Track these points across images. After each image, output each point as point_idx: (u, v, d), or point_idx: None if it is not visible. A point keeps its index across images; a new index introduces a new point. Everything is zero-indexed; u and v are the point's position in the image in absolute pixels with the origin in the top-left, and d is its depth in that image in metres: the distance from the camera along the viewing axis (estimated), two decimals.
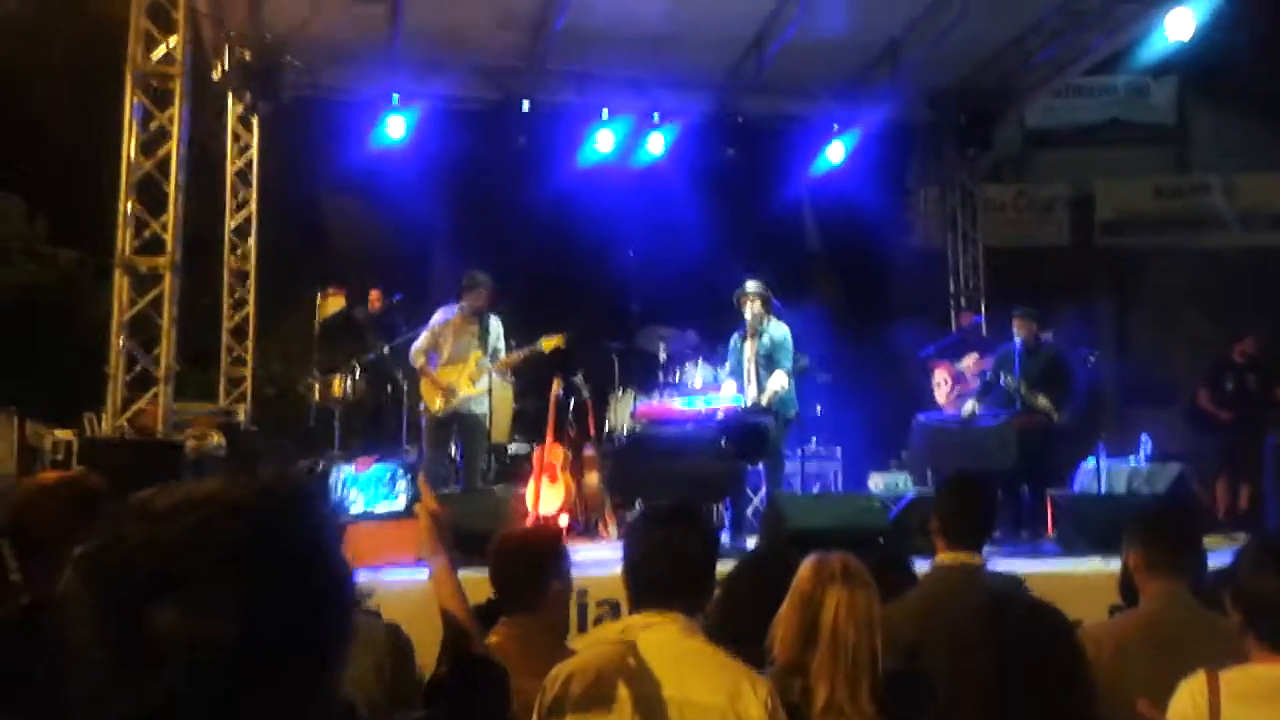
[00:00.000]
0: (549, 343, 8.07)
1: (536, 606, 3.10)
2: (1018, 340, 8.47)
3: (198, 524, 0.89)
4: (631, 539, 2.67)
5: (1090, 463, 9.02)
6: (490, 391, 8.01)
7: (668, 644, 2.43)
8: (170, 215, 7.22)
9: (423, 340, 8.08)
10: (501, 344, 8.17)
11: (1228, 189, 14.36)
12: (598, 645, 2.54)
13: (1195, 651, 2.57)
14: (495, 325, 8.15)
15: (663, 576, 2.53)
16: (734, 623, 2.88)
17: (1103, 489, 8.80)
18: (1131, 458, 9.76)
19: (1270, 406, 9.53)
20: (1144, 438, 9.99)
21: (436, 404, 7.97)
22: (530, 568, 3.13)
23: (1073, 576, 6.16)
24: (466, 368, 7.97)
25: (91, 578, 0.89)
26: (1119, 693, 2.60)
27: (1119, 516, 6.30)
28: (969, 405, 8.58)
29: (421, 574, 2.28)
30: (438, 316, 8.14)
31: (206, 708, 0.86)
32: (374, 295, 9.88)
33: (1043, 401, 8.17)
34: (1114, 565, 6.35)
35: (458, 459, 8.44)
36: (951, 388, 10.06)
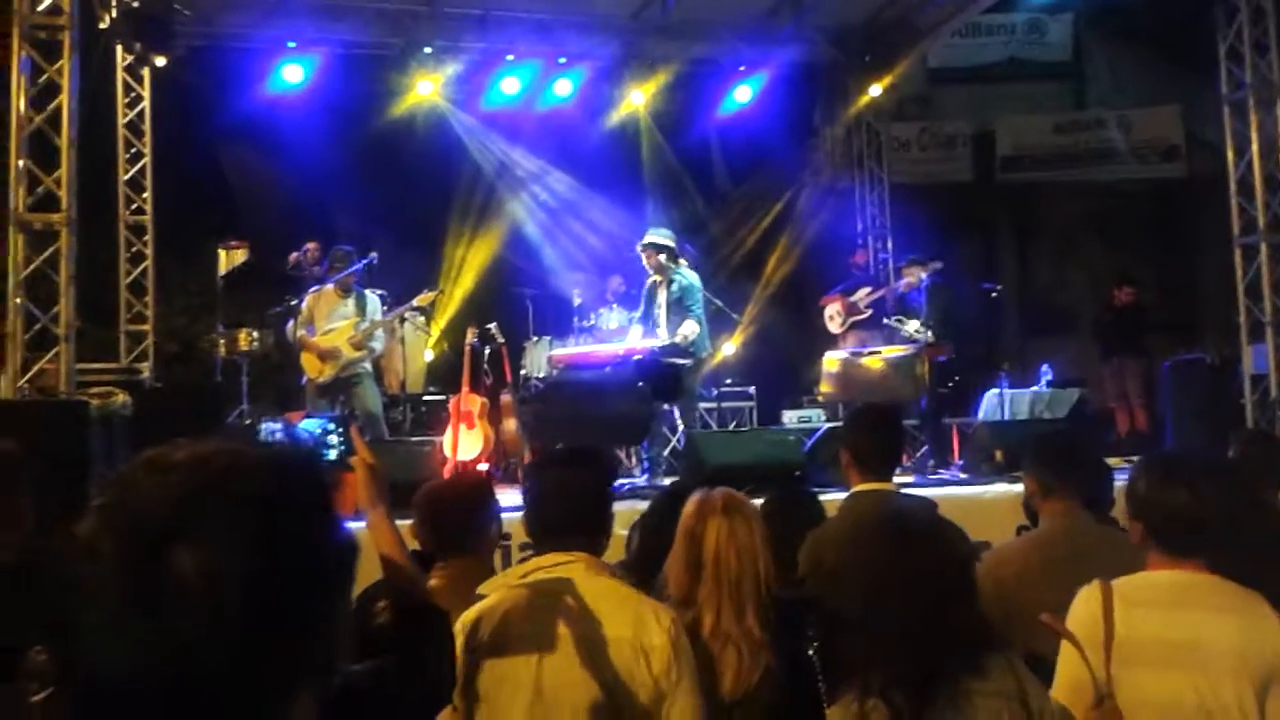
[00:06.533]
0: (423, 299, 8.47)
1: (472, 550, 3.17)
2: (900, 286, 8.73)
3: (212, 473, 0.95)
4: (528, 483, 2.73)
5: (993, 392, 9.30)
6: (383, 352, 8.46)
7: (576, 583, 2.48)
8: (64, 170, 6.97)
9: (299, 316, 8.27)
10: (380, 317, 8.39)
11: (1122, 123, 14.74)
12: (503, 589, 2.57)
13: (1091, 566, 2.62)
14: (374, 301, 8.40)
15: (561, 518, 2.59)
16: (653, 555, 2.93)
17: (1006, 415, 9.08)
18: (1034, 387, 10.07)
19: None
20: (1044, 367, 10.31)
21: (317, 372, 8.13)
22: (463, 513, 3.21)
23: (980, 500, 6.36)
24: (345, 333, 8.14)
25: (111, 524, 0.93)
26: (1023, 610, 2.70)
27: (1023, 441, 6.53)
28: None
29: (357, 526, 2.29)
30: (310, 295, 8.35)
31: (225, 644, 0.90)
32: (313, 248, 9.68)
33: (934, 337, 8.41)
34: (1019, 488, 6.60)
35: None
36: (845, 319, 10.24)
